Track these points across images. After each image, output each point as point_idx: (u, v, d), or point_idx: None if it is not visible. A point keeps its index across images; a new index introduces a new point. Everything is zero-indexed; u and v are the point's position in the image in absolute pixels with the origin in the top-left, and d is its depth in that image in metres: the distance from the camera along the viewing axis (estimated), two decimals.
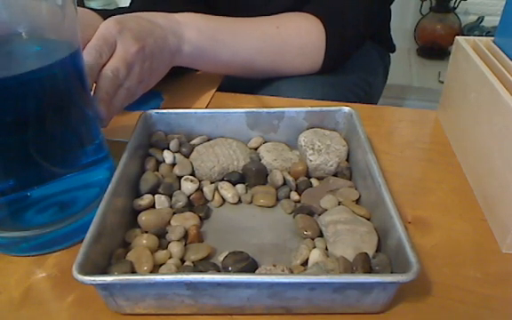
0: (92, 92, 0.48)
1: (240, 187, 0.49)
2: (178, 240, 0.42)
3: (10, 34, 0.37)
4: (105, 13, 0.62)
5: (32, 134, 0.38)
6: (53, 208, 0.43)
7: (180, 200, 0.47)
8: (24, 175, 0.40)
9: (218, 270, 0.39)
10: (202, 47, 0.63)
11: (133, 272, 0.38)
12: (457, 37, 0.57)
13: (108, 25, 0.53)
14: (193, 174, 0.50)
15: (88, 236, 0.37)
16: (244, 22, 0.67)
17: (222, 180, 0.50)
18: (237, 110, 0.54)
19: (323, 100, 0.68)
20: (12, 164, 0.39)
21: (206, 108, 0.65)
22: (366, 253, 0.38)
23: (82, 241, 0.36)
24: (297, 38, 0.68)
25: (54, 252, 0.43)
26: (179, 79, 0.73)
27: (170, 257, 0.41)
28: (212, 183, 0.50)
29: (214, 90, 0.70)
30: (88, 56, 0.49)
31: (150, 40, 0.56)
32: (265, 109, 0.54)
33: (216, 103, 0.68)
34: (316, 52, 0.70)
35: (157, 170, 0.51)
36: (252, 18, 0.68)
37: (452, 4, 1.66)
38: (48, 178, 0.41)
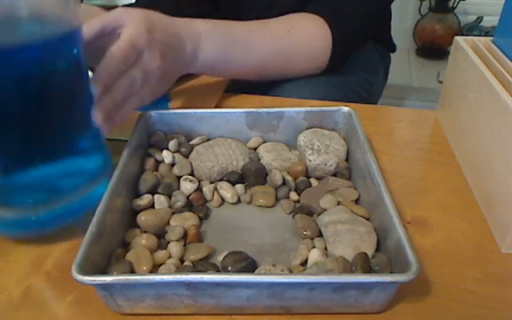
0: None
1: (239, 187, 0.49)
2: (177, 240, 0.42)
3: (11, 17, 0.37)
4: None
5: (27, 115, 0.38)
6: (41, 190, 0.42)
7: (179, 200, 0.47)
8: (16, 155, 0.40)
9: (217, 270, 0.39)
10: (215, 59, 0.63)
11: (133, 272, 0.38)
12: (456, 37, 0.57)
13: (140, 31, 0.50)
14: (192, 174, 0.50)
15: (87, 235, 0.37)
16: (257, 29, 0.67)
17: (221, 179, 0.50)
18: (237, 110, 0.54)
19: (326, 99, 0.68)
20: (3, 144, 0.40)
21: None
22: (366, 253, 0.38)
23: (66, 225, 0.36)
24: (306, 42, 0.69)
25: (38, 233, 0.43)
26: (186, 80, 0.73)
27: (169, 257, 0.41)
28: (211, 183, 0.50)
29: (222, 91, 0.70)
30: (113, 59, 0.47)
31: (171, 56, 0.55)
32: (264, 109, 0.54)
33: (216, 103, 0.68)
34: (323, 55, 0.70)
35: (157, 170, 0.51)
36: (263, 21, 0.68)
37: (451, 4, 1.66)
38: (39, 159, 0.41)
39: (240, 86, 0.71)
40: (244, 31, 0.66)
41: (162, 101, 0.67)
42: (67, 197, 0.43)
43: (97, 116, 0.44)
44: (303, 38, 0.69)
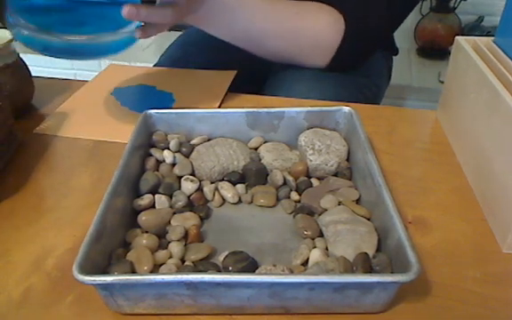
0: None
1: (240, 187, 0.49)
2: (178, 240, 0.42)
3: None
4: None
5: None
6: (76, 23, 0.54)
7: (180, 200, 0.47)
8: None
9: (218, 270, 0.39)
10: (217, 11, 0.63)
11: (133, 272, 0.38)
12: (457, 37, 0.57)
13: None
14: (193, 174, 0.50)
15: (88, 235, 0.37)
16: (264, 1, 0.67)
17: (222, 179, 0.50)
18: (237, 110, 0.54)
19: (335, 100, 0.67)
20: None
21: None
22: (366, 253, 0.38)
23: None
24: (312, 30, 0.68)
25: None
26: (190, 80, 0.73)
27: (170, 257, 0.41)
28: (212, 183, 0.50)
29: (225, 90, 0.69)
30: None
31: None
32: (265, 109, 0.54)
33: None
34: (328, 50, 0.69)
35: (157, 170, 0.51)
36: None
37: (452, 3, 1.65)
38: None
39: (248, 85, 0.71)
40: (248, 3, 0.66)
41: (166, 101, 0.67)
42: (91, 36, 0.54)
43: (126, 9, 0.51)
44: (310, 24, 0.68)
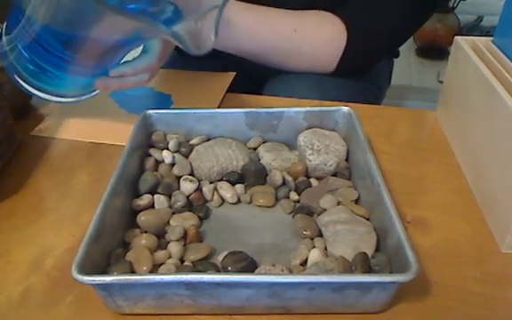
0: None
1: (239, 187, 0.49)
2: (177, 240, 0.42)
3: None
4: None
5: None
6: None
7: (179, 200, 0.47)
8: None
9: (217, 270, 0.39)
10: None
11: (133, 272, 0.38)
12: (456, 37, 0.57)
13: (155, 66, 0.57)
14: (192, 174, 0.50)
15: (87, 235, 0.37)
16: (261, 21, 0.67)
17: (221, 179, 0.50)
18: (237, 110, 0.54)
19: (336, 101, 0.67)
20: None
21: None
22: (365, 253, 0.38)
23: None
24: (311, 46, 0.68)
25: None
26: (189, 82, 0.73)
27: (169, 257, 0.41)
28: (211, 183, 0.50)
29: (224, 92, 0.69)
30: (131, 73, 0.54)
31: None
32: (264, 109, 0.54)
33: None
34: (330, 61, 0.69)
35: (156, 170, 0.51)
36: (274, 12, 0.68)
37: (451, 3, 1.66)
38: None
39: (249, 84, 0.71)
40: (246, 19, 0.66)
41: (165, 103, 0.67)
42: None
43: (98, 82, 0.53)
44: (308, 41, 0.68)
